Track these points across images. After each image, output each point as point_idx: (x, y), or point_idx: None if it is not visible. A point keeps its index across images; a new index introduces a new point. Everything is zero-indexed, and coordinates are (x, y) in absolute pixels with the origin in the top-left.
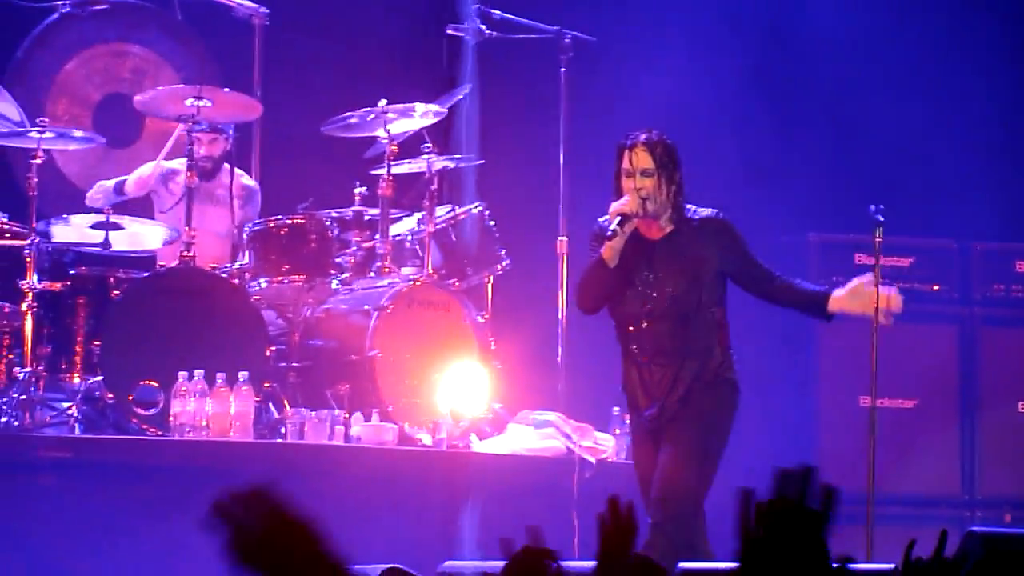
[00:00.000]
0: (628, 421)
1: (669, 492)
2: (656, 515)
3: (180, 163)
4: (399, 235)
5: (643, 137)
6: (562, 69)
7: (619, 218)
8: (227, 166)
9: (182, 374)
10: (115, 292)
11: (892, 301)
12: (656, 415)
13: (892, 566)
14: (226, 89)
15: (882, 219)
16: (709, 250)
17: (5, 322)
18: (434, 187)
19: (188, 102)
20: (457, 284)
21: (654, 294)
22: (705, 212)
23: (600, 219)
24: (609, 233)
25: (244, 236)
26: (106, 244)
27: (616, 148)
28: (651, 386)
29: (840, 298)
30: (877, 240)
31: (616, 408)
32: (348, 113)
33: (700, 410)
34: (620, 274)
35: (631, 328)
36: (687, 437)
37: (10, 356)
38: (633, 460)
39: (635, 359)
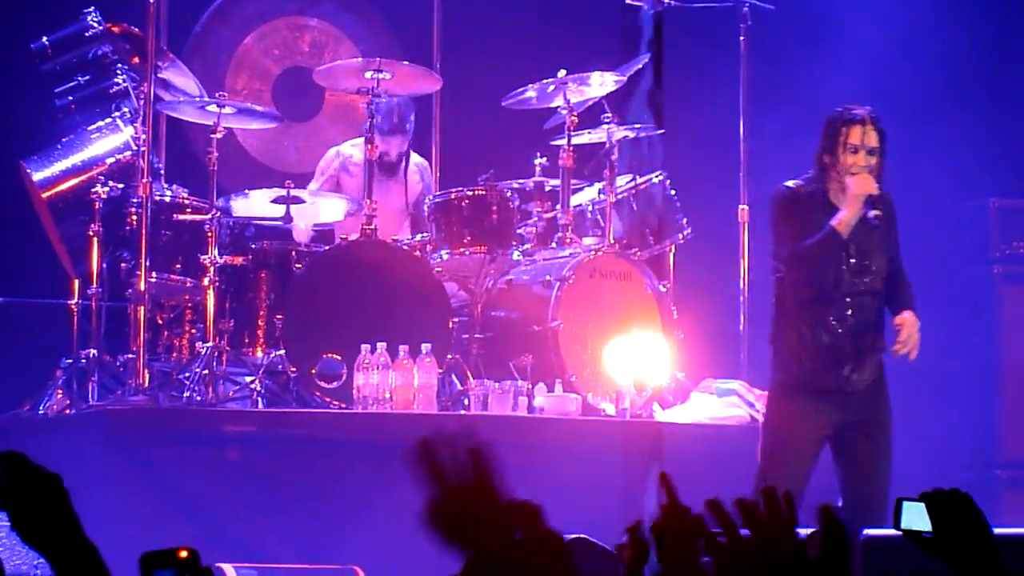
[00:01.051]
0: (788, 389)
1: (874, 493)
2: (861, 514)
3: (354, 146)
4: (580, 205)
5: (871, 114)
6: (741, 38)
7: (870, 205)
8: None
9: (365, 347)
10: (297, 266)
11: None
12: (843, 400)
13: None
14: (405, 62)
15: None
16: (889, 224)
17: (187, 297)
18: (615, 157)
19: (367, 75)
20: (639, 254)
21: (856, 267)
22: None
23: (787, 183)
24: (872, 219)
25: (424, 209)
26: (287, 218)
27: (836, 121)
28: (842, 357)
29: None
30: None
31: None
32: (527, 86)
33: (887, 412)
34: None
35: (831, 299)
36: (883, 447)
37: (193, 331)
38: (786, 429)
39: (830, 329)
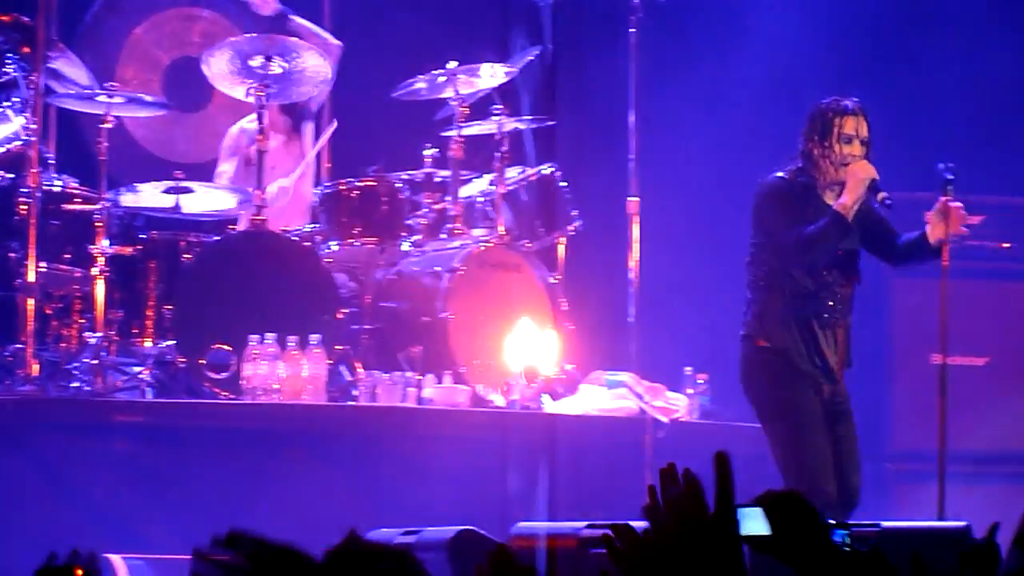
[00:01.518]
0: (794, 387)
1: (859, 469)
2: (854, 490)
3: (252, 121)
4: (470, 197)
5: (860, 104)
6: (632, 30)
7: (874, 190)
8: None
9: (254, 337)
10: (186, 256)
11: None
12: (833, 391)
13: (963, 524)
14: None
15: (951, 177)
16: (864, 213)
17: (76, 287)
18: (505, 148)
19: (256, 63)
20: (528, 245)
21: (844, 258)
22: None
23: (778, 174)
24: (889, 203)
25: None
26: (176, 208)
27: (828, 112)
28: (832, 350)
29: (932, 231)
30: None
31: (688, 368)
32: (417, 77)
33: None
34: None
35: (825, 288)
36: (854, 423)
37: (82, 321)
38: (812, 439)
39: (823, 320)
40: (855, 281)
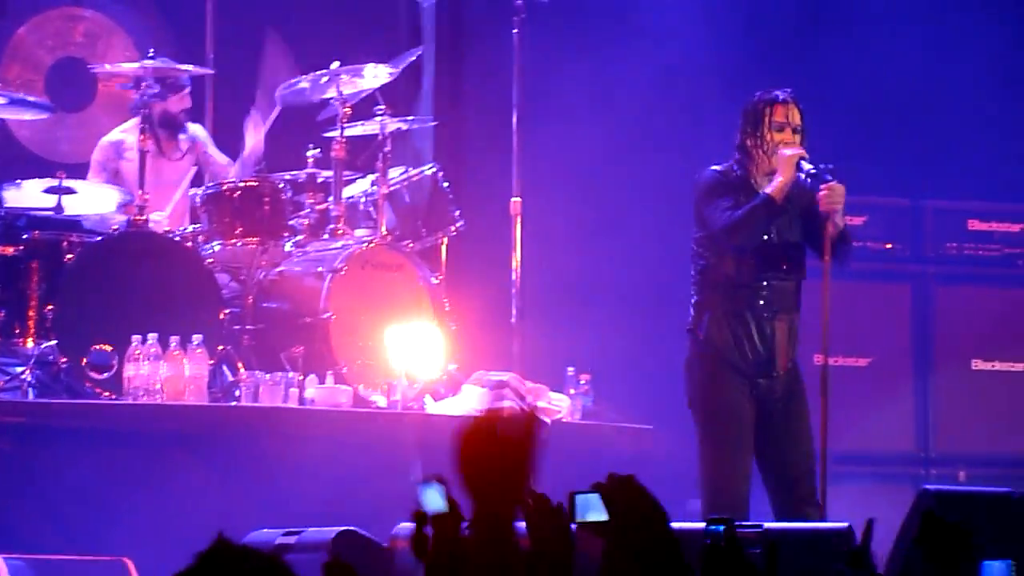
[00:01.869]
0: (723, 385)
1: (812, 468)
2: (809, 489)
3: (124, 132)
4: (353, 197)
5: (792, 94)
6: (514, 31)
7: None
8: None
9: (136, 338)
10: (68, 256)
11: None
12: (770, 384)
13: (846, 524)
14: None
15: (831, 179)
16: (811, 203)
17: None
18: (387, 149)
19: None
20: (411, 245)
21: (778, 245)
22: None
23: (714, 167)
24: (815, 172)
25: (198, 199)
26: (59, 208)
27: (758, 103)
28: (769, 343)
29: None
30: None
31: (571, 368)
32: (300, 78)
33: (803, 391)
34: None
35: (759, 280)
36: (807, 421)
37: None
38: (735, 428)
39: (758, 313)
40: (796, 275)
